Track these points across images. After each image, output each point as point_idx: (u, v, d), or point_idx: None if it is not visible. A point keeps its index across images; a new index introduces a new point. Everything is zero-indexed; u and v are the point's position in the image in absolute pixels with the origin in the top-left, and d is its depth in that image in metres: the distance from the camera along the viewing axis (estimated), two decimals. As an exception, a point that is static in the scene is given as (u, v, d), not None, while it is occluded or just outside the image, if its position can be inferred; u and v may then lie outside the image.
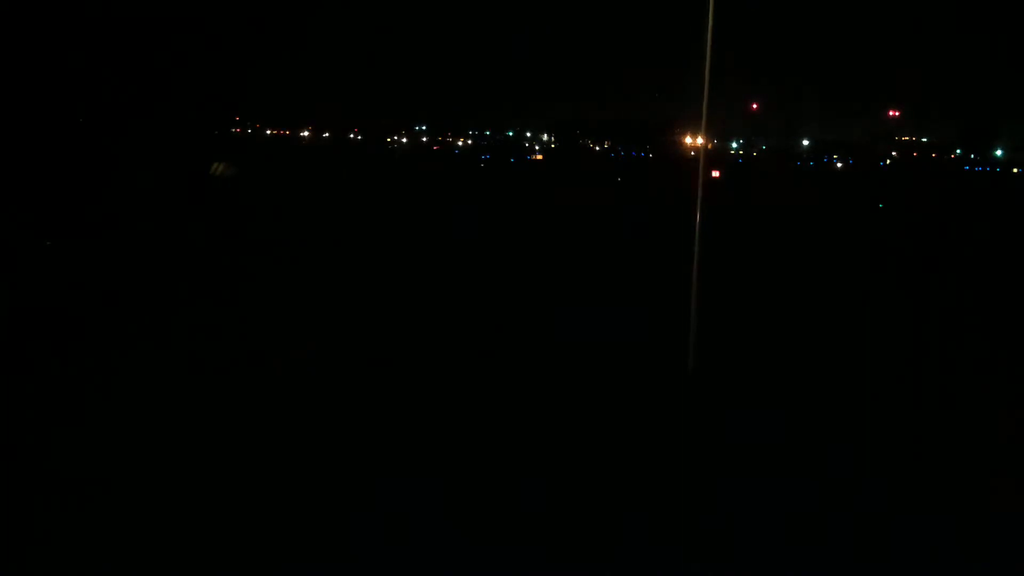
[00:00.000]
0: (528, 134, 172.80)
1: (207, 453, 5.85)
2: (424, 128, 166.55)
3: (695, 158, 9.46)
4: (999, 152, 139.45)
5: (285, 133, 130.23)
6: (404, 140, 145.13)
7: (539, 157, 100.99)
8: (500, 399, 7.48)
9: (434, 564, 5.14)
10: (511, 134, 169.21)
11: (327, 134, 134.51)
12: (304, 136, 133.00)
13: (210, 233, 16.66)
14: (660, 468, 6.16)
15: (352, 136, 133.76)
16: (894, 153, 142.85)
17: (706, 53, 7.55)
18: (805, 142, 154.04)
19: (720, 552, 5.01)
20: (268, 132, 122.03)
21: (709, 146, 9.64)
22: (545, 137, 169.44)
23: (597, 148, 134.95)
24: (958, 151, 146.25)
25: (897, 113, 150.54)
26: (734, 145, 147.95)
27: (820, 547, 5.02)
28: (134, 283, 11.25)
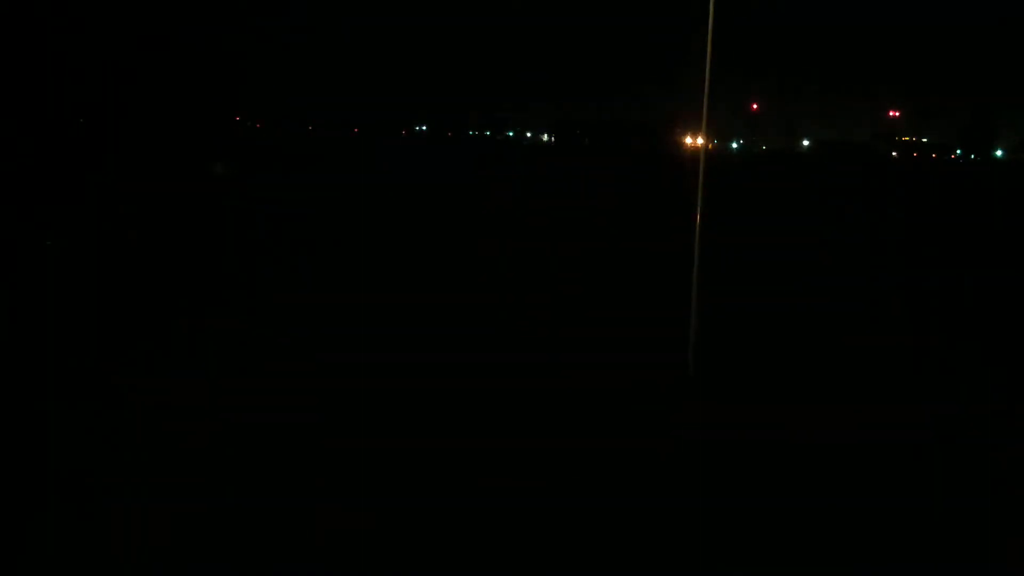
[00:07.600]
0: (528, 134, 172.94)
1: (212, 457, 5.86)
2: (424, 128, 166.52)
3: (695, 158, 9.57)
4: (999, 152, 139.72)
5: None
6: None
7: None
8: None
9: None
10: (511, 134, 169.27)
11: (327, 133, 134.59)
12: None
13: (210, 232, 16.72)
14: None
15: (352, 135, 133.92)
16: (894, 153, 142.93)
17: (706, 53, 7.55)
18: (805, 142, 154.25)
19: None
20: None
21: (710, 147, 9.66)
22: (545, 137, 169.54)
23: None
24: (958, 151, 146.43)
25: (897, 113, 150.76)
26: (734, 145, 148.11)
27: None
28: (134, 282, 11.25)
